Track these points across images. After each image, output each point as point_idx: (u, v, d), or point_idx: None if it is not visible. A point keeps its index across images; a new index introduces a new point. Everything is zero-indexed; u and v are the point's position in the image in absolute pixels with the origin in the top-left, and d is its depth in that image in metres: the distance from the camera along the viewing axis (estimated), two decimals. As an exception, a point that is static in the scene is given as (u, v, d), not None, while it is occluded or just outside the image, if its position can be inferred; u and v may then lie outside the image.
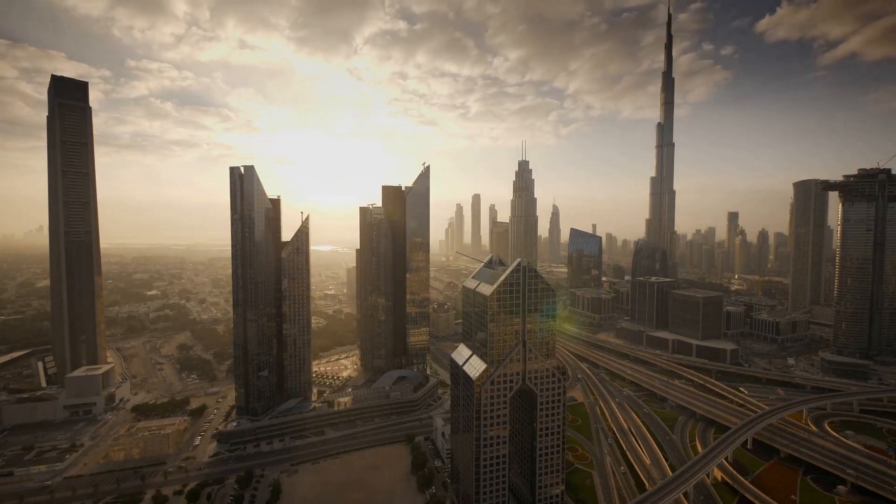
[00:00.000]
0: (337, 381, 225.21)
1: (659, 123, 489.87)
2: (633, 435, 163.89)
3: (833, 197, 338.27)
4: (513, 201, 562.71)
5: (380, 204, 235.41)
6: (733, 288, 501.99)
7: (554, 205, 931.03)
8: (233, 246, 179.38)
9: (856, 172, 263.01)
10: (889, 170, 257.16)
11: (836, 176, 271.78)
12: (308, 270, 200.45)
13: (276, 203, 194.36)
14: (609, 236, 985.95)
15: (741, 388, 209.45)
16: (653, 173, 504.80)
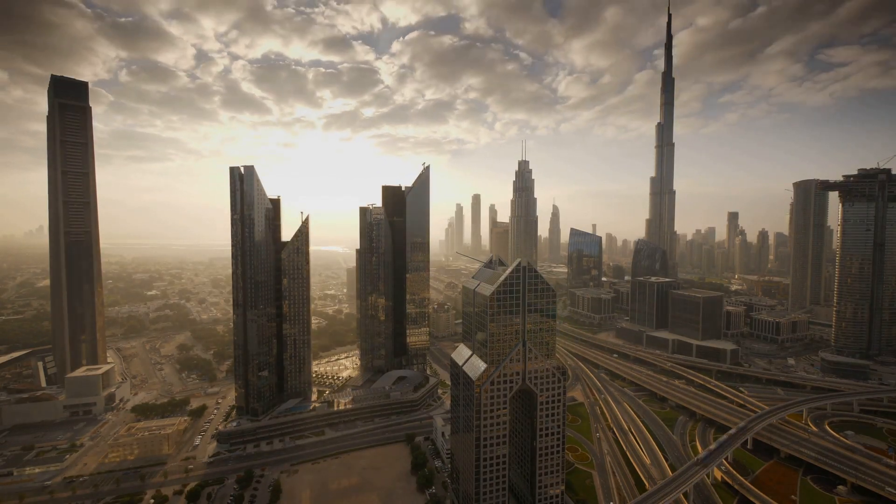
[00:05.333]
0: (337, 381, 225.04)
1: (659, 123, 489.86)
2: (634, 435, 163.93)
3: (833, 197, 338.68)
4: (513, 201, 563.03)
5: (380, 204, 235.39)
6: (733, 288, 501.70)
7: (554, 205, 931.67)
8: (233, 246, 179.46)
9: (856, 172, 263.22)
10: (889, 170, 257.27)
11: (836, 176, 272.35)
12: (308, 270, 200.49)
13: (276, 203, 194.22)
14: (609, 236, 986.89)
15: (741, 389, 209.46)
16: (652, 173, 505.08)
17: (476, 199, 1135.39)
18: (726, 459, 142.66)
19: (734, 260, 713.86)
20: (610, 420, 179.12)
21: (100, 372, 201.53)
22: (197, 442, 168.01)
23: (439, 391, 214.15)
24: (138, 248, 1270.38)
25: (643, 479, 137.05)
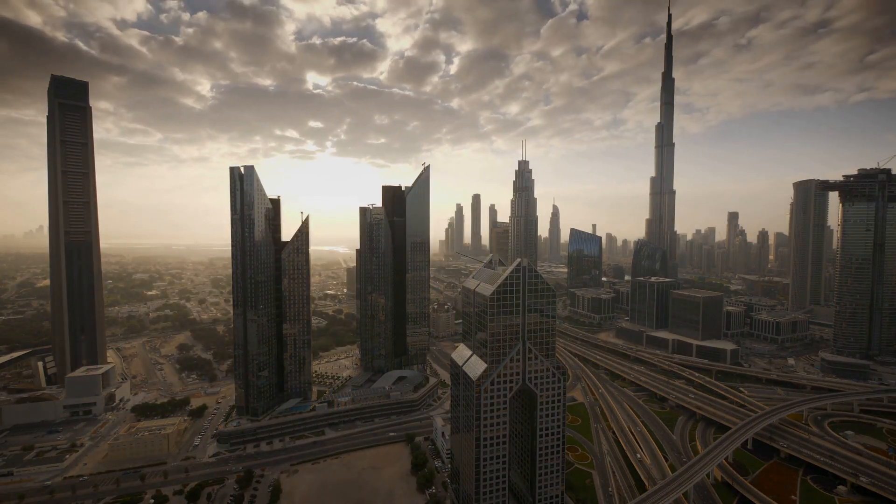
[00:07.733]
0: (337, 381, 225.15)
1: (659, 123, 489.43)
2: (633, 435, 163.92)
3: (833, 197, 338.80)
4: (513, 201, 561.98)
5: (380, 204, 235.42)
6: (733, 288, 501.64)
7: (554, 205, 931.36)
8: (233, 246, 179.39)
9: (856, 172, 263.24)
10: (889, 170, 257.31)
11: (836, 176, 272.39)
12: (308, 270, 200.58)
13: (276, 203, 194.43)
14: (609, 236, 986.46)
15: (741, 389, 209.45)
16: (653, 173, 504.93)
17: (476, 199, 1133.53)
18: (726, 459, 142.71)
19: (734, 260, 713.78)
20: (610, 420, 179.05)
21: (100, 372, 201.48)
22: (197, 442, 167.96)
23: (439, 391, 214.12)
24: (138, 248, 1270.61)
25: (643, 479, 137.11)
